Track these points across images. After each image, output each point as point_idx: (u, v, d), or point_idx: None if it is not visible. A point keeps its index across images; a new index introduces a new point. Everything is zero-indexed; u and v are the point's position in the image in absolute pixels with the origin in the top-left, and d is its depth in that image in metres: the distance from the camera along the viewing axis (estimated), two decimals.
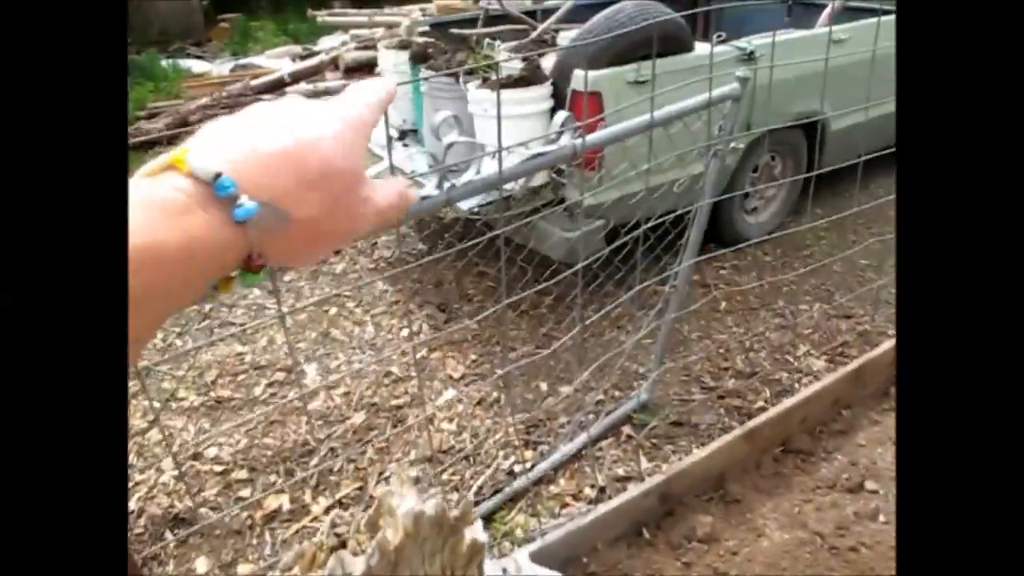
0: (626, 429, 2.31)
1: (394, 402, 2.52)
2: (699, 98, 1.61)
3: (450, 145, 1.16)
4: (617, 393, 2.50)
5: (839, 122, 3.29)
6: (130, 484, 2.21)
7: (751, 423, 2.06)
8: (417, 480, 1.02)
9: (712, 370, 2.61)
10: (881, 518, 1.90)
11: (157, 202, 0.36)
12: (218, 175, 0.37)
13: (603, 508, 1.82)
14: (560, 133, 1.33)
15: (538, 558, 1.65)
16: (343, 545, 1.01)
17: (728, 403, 2.42)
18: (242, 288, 0.41)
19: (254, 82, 6.45)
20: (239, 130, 0.40)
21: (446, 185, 1.21)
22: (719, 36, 1.84)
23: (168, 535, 2.02)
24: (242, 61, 7.93)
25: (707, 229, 1.98)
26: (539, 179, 2.60)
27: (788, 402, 2.16)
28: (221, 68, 7.69)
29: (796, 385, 2.51)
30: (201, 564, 1.96)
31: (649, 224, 1.72)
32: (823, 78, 2.63)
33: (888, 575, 1.72)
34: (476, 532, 1.05)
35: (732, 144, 1.76)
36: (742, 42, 2.89)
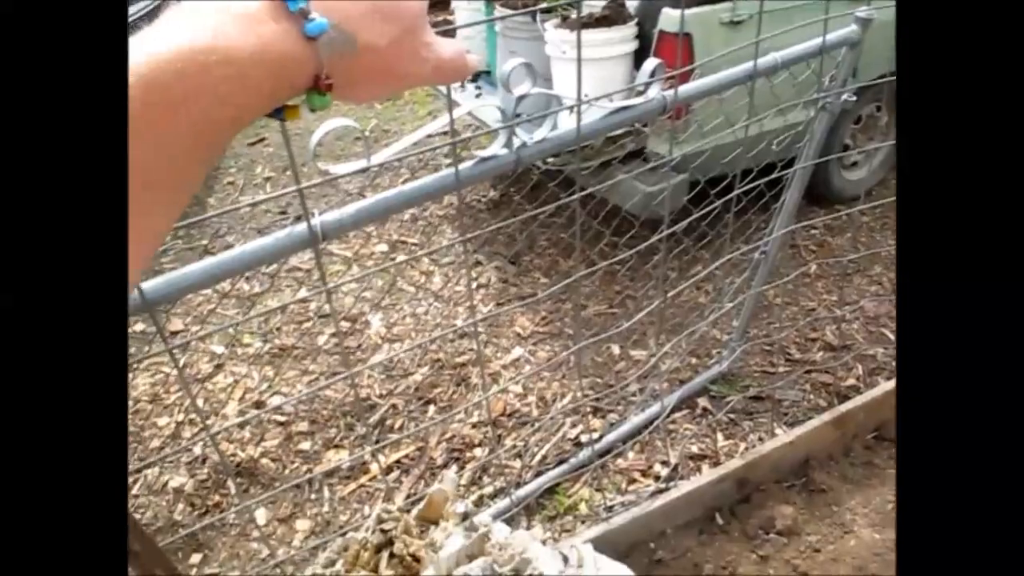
0: (702, 401, 2.16)
1: (459, 359, 2.44)
2: (810, 44, 1.40)
3: (521, 97, 1.01)
4: (694, 360, 2.35)
5: None
6: (195, 430, 2.21)
7: (841, 406, 1.88)
8: (465, 516, 0.91)
9: (799, 341, 2.42)
10: None
11: (231, 11, 0.37)
12: None
13: (674, 492, 1.69)
14: (648, 84, 1.16)
15: (601, 542, 1.54)
16: (389, 543, 0.92)
17: (815, 379, 2.23)
18: (309, 112, 0.38)
19: None
20: None
21: (516, 143, 1.07)
22: None
23: (230, 484, 2.02)
24: None
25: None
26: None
27: (884, 385, 1.96)
28: None
29: (893, 363, 2.29)
30: (261, 516, 1.95)
31: (743, 187, 1.53)
32: None
33: None
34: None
35: (844, 97, 1.54)
36: None
